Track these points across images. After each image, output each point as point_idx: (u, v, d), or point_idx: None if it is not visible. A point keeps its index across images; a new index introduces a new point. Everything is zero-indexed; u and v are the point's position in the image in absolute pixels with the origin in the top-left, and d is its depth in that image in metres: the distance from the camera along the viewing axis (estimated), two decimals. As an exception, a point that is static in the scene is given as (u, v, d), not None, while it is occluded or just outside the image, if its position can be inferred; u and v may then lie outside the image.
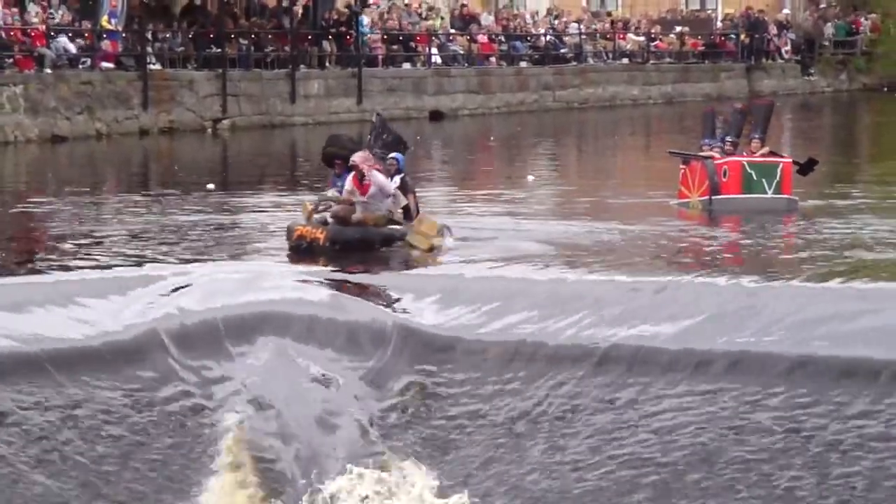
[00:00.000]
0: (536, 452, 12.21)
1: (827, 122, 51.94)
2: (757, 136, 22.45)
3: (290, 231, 16.97)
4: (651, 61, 59.06)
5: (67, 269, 16.55)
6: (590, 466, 11.97)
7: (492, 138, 42.97)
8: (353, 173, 16.66)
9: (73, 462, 12.03)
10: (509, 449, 12.36)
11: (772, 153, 22.57)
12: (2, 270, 16.52)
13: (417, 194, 17.87)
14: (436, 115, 48.43)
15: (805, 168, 22.59)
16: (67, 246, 18.54)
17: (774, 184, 21.91)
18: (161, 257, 17.23)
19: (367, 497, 11.98)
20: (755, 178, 21.91)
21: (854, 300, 13.20)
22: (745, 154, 22.28)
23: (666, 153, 23.95)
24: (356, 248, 16.43)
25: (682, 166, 22.65)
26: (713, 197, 21.82)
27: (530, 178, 28.73)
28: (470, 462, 12.36)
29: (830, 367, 12.06)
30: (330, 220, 16.72)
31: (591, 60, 56.71)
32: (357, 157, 16.57)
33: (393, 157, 17.22)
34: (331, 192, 17.20)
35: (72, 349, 13.06)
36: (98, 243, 18.74)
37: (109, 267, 16.42)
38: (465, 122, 48.34)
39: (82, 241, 18.96)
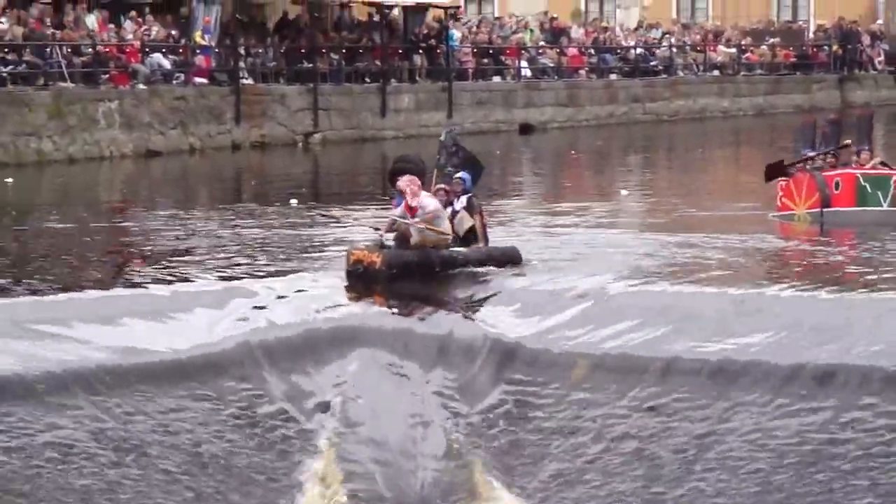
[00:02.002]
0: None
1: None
2: (866, 147, 22.19)
3: (347, 255, 16.37)
4: (742, 73, 58.69)
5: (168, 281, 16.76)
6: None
7: (573, 152, 42.83)
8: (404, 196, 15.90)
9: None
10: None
11: (883, 164, 22.30)
12: (97, 284, 16.75)
13: (485, 214, 17.14)
14: (525, 129, 48.45)
15: None
16: (163, 260, 18.80)
17: (889, 196, 21.66)
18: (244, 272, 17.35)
19: None
20: (869, 190, 21.60)
21: None
22: (854, 166, 22.05)
23: (765, 166, 23.17)
24: (414, 271, 15.82)
25: (782, 179, 22.45)
26: (824, 209, 21.62)
27: (624, 192, 28.58)
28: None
29: None
30: (388, 241, 16.02)
31: (681, 73, 56.48)
32: (402, 181, 15.97)
33: (459, 177, 16.64)
34: (398, 211, 16.36)
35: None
36: (189, 257, 18.96)
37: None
38: (554, 135, 48.31)
39: (175, 255, 19.20)
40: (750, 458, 12.15)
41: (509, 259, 16.67)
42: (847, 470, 11.77)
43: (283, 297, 15.41)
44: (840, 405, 12.20)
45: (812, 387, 12.42)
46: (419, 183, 15.99)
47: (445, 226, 16.00)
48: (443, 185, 16.52)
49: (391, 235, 16.12)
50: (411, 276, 15.70)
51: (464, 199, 16.57)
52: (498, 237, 18.05)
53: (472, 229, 16.49)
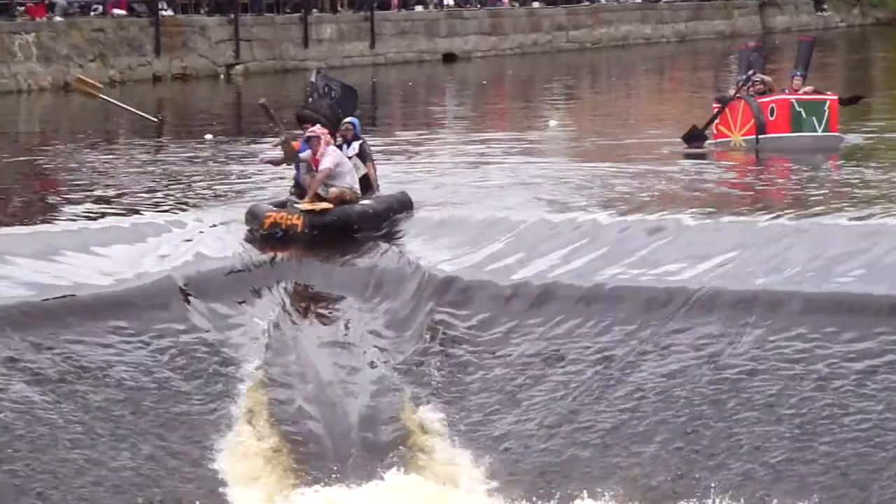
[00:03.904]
0: None
1: (842, 58, 51.66)
2: (799, 73, 22.13)
3: (256, 216, 15.40)
4: (663, 0, 58.77)
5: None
6: None
7: (483, 82, 42.75)
8: (309, 146, 15.33)
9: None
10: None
11: (816, 91, 22.25)
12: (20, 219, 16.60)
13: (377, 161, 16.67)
14: (449, 58, 48.30)
15: (849, 102, 22.50)
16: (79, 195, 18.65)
17: (823, 121, 21.73)
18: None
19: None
20: (804, 115, 21.63)
21: None
22: (788, 92, 22.07)
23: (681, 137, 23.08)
24: (335, 230, 15.22)
25: (715, 105, 22.40)
26: (760, 136, 21.60)
27: (552, 122, 28.56)
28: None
29: None
30: (292, 197, 15.37)
31: (603, 0, 56.46)
32: (318, 129, 15.37)
33: (349, 122, 16.04)
34: (304, 155, 15.45)
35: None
36: (103, 192, 18.84)
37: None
38: (477, 64, 48.19)
39: (94, 192, 19.07)
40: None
41: (405, 206, 16.24)
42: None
43: (202, 231, 15.36)
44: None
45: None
46: (328, 139, 15.35)
47: (349, 180, 15.37)
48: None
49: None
50: (331, 236, 15.15)
51: (356, 145, 16.01)
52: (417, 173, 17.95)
53: (364, 177, 15.93)
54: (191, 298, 13.71)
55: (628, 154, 22.03)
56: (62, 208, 17.69)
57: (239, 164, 21.64)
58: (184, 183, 19.56)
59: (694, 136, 22.25)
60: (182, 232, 15.59)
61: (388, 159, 21.20)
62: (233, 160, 22.19)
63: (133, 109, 14.51)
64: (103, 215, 16.71)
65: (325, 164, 15.20)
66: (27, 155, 24.00)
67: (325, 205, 15.16)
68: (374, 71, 44.06)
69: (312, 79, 16.63)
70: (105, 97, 14.62)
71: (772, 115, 21.74)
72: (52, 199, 18.95)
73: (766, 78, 22.52)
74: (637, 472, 11.58)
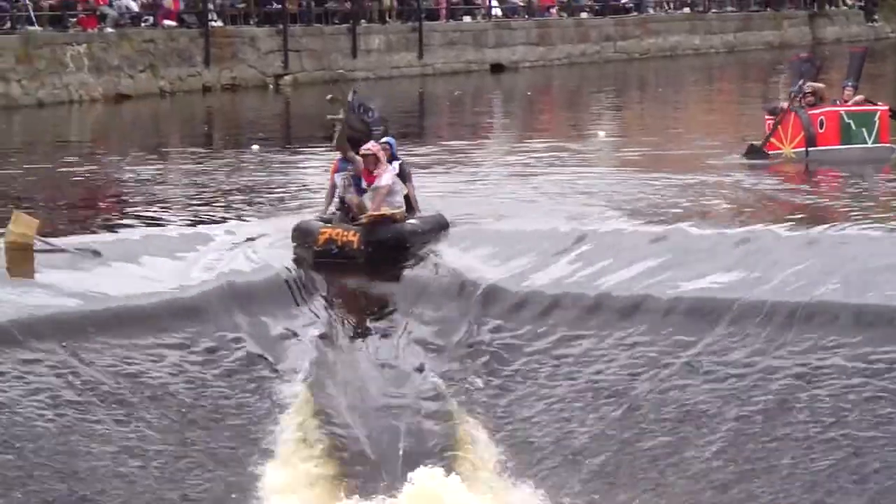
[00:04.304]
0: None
1: (893, 69, 51.34)
2: (850, 83, 22.05)
3: (307, 232, 15.09)
4: (712, 10, 58.56)
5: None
6: None
7: (528, 93, 42.71)
8: (361, 161, 15.03)
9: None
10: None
11: (866, 101, 22.19)
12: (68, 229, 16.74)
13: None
14: (497, 68, 48.34)
15: None
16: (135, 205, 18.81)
17: (874, 132, 21.62)
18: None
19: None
20: (854, 127, 21.57)
21: None
22: (839, 103, 21.99)
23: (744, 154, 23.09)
24: (390, 247, 14.94)
25: (768, 117, 22.37)
26: (809, 149, 21.55)
27: (601, 133, 28.52)
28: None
29: None
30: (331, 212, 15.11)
31: (651, 10, 56.34)
32: (373, 146, 15.12)
33: (386, 142, 15.61)
34: (339, 179, 15.26)
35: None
36: (160, 203, 18.99)
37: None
38: (525, 75, 48.20)
39: (146, 201, 19.22)
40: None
41: (444, 227, 15.91)
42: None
43: (249, 240, 15.47)
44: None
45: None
46: (383, 155, 15.09)
47: (399, 200, 15.22)
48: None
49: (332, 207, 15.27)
50: (386, 254, 14.87)
51: (395, 165, 15.61)
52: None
53: (405, 197, 15.67)
54: (237, 309, 13.78)
55: (682, 166, 22.00)
56: (109, 218, 17.86)
57: (284, 175, 21.76)
58: (229, 194, 19.69)
59: (754, 153, 22.20)
60: (227, 242, 15.65)
61: (440, 170, 21.31)
62: (278, 171, 22.30)
63: (71, 249, 13.83)
64: (150, 225, 16.85)
65: (386, 180, 14.97)
66: (78, 165, 24.19)
67: (394, 210, 14.99)
68: (422, 81, 44.15)
69: (350, 98, 15.99)
70: (40, 240, 13.89)
71: (821, 128, 21.68)
72: (99, 209, 19.12)
73: (819, 85, 22.47)
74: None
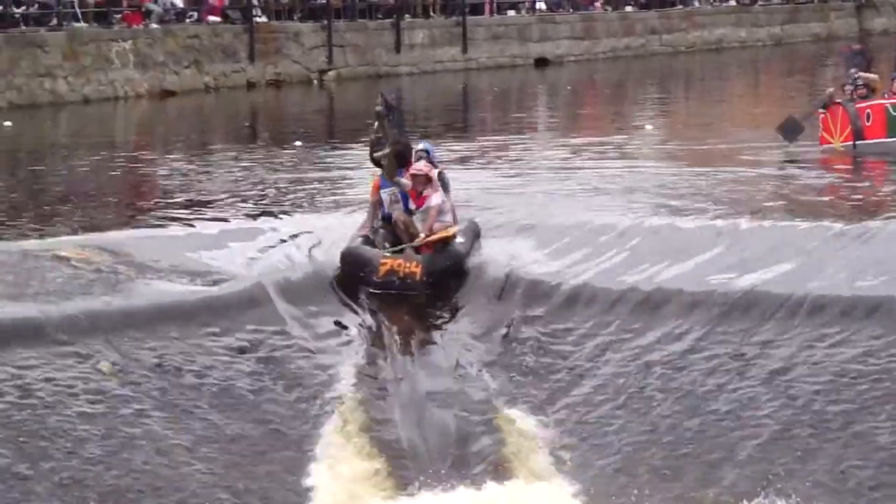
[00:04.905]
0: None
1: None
2: None
3: (363, 262, 14.15)
4: (759, 2, 58.22)
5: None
6: None
7: (568, 87, 42.57)
8: (409, 182, 14.34)
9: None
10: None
11: None
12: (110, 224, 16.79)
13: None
14: (541, 62, 48.21)
15: None
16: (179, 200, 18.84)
17: None
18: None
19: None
20: None
21: None
22: (886, 96, 21.94)
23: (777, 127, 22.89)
24: (451, 275, 14.26)
25: (820, 111, 22.30)
26: (857, 142, 21.56)
27: (649, 127, 28.42)
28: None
29: None
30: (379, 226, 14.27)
31: (697, 3, 56.06)
32: (423, 166, 14.41)
33: (423, 150, 14.86)
34: (385, 195, 14.49)
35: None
36: (202, 199, 19.03)
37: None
38: (570, 69, 48.04)
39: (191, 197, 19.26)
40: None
41: (478, 235, 15.26)
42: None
43: (294, 236, 15.44)
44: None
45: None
46: (433, 174, 14.43)
47: (449, 218, 14.47)
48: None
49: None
50: (445, 281, 14.15)
51: (434, 173, 14.76)
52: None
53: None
54: (281, 304, 13.74)
55: (732, 159, 21.92)
56: (152, 213, 17.90)
57: (326, 171, 21.74)
58: (273, 189, 19.70)
59: (789, 127, 22.16)
60: (269, 238, 15.61)
61: (486, 164, 21.25)
62: (320, 168, 22.28)
63: None
64: (192, 221, 16.86)
65: (436, 200, 14.27)
66: (123, 161, 24.28)
67: (454, 229, 14.35)
68: (465, 76, 44.08)
69: (377, 108, 15.05)
70: None
71: (868, 121, 21.67)
72: (142, 205, 19.17)
73: (871, 76, 22.49)
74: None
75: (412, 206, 14.35)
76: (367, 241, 14.38)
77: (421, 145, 15.06)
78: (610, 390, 12.62)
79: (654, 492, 11.53)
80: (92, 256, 14.15)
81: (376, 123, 14.94)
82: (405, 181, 14.40)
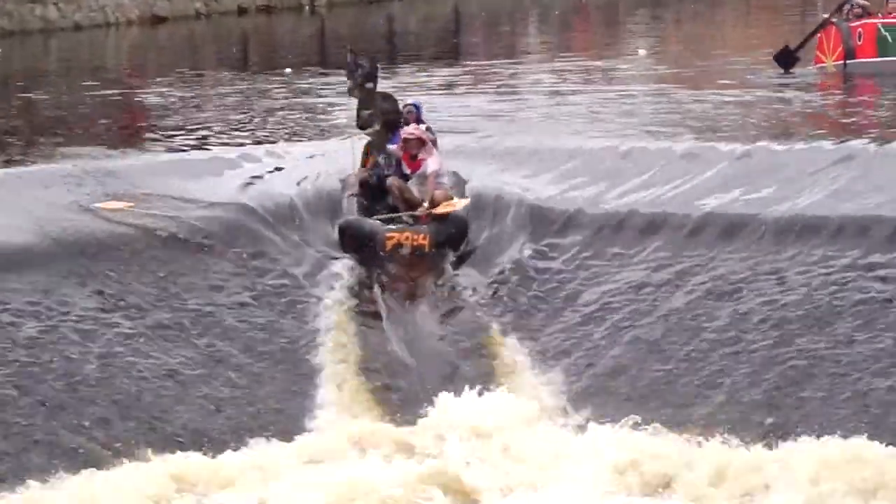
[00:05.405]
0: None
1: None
2: None
3: (367, 236, 13.77)
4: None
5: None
6: None
7: (556, 12, 42.25)
8: (402, 147, 14.04)
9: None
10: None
11: None
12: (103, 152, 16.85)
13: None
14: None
15: None
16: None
17: None
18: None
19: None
20: (890, 40, 21.41)
21: None
22: (881, 15, 21.91)
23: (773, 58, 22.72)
24: (456, 241, 13.94)
25: (819, 32, 22.27)
26: (847, 61, 21.57)
27: (641, 51, 28.33)
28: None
29: None
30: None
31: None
32: (414, 129, 14.10)
33: (411, 105, 14.64)
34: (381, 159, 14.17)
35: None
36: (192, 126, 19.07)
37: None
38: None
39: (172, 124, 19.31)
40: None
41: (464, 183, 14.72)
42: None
43: (280, 167, 15.48)
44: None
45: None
46: (426, 137, 14.07)
47: (447, 181, 14.12)
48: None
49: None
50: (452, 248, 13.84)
51: (422, 128, 14.36)
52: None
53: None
54: (271, 231, 13.83)
55: (725, 82, 21.93)
56: (142, 140, 17.95)
57: (316, 97, 21.73)
58: (261, 117, 19.70)
59: (785, 57, 22.15)
60: (259, 165, 15.60)
61: (483, 90, 21.30)
62: (308, 94, 22.26)
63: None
64: (182, 148, 16.91)
65: (433, 165, 13.98)
66: (113, 88, 24.27)
67: (462, 202, 13.98)
68: (457, 0, 43.91)
69: (348, 59, 14.72)
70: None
71: (859, 40, 21.64)
72: (133, 132, 19.20)
73: (866, 2, 22.37)
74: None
75: (406, 170, 14.06)
76: (362, 207, 14.04)
77: (409, 101, 14.89)
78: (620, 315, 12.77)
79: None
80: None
81: (352, 83, 14.58)
82: (396, 149, 14.14)
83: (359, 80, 14.41)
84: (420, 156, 13.95)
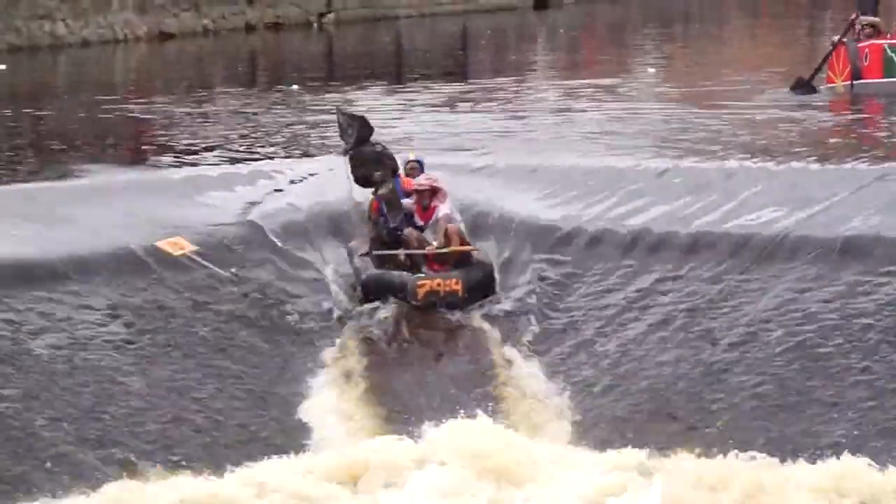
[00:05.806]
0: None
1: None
2: None
3: (396, 287, 13.42)
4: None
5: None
6: None
7: (561, 30, 42.38)
8: (414, 198, 13.82)
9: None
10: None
11: None
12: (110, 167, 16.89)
13: None
14: (540, 4, 48.10)
15: None
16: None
17: None
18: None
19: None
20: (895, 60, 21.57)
21: None
22: (890, 36, 21.96)
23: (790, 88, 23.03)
24: (485, 287, 13.68)
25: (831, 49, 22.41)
26: (854, 82, 21.67)
27: (651, 70, 28.39)
28: None
29: None
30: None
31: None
32: (425, 180, 13.91)
33: (415, 161, 14.47)
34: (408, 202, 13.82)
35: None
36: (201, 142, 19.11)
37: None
38: (569, 11, 47.94)
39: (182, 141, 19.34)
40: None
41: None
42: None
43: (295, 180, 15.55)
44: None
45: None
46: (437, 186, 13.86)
47: (461, 226, 13.91)
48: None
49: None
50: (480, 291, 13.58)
51: (439, 183, 13.98)
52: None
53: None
54: (279, 246, 13.87)
55: (732, 101, 22.00)
56: (150, 156, 17.98)
57: (324, 115, 21.78)
58: (268, 134, 19.73)
59: (800, 87, 22.24)
60: (268, 182, 15.64)
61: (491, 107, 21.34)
62: (315, 112, 22.31)
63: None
64: (190, 164, 16.95)
65: (444, 210, 13.72)
66: (122, 104, 24.32)
67: (472, 248, 13.80)
68: (465, 19, 44.00)
69: (339, 120, 14.62)
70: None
71: (866, 61, 21.73)
72: (141, 148, 19.24)
73: (875, 19, 22.50)
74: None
75: (419, 221, 13.85)
76: (379, 260, 13.73)
77: (412, 156, 14.68)
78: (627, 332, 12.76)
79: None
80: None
81: (345, 144, 14.44)
82: (409, 202, 13.94)
83: (351, 143, 14.20)
84: (432, 203, 13.77)
